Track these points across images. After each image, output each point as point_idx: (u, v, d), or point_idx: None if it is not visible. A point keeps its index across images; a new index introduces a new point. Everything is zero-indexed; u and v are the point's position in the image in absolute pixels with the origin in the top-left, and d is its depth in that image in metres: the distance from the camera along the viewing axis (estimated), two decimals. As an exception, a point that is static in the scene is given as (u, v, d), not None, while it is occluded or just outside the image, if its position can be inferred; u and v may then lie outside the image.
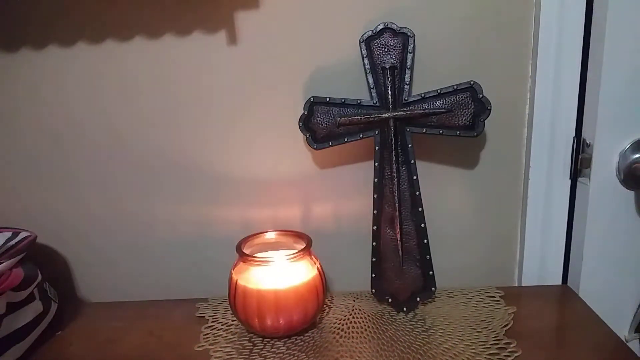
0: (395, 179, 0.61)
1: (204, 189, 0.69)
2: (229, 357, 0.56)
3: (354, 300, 0.67)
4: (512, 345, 0.55)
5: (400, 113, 0.61)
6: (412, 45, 0.61)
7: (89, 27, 0.64)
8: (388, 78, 0.61)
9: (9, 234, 0.62)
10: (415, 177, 0.62)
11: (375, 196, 0.63)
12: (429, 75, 0.64)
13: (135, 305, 0.70)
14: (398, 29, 0.61)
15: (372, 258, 0.64)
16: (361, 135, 0.63)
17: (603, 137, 0.63)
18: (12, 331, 0.57)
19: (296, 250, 0.59)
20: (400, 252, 0.63)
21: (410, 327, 0.61)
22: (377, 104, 0.62)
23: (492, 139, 0.67)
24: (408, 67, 0.61)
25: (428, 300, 0.66)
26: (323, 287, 0.60)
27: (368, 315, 0.64)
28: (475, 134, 0.61)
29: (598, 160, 0.64)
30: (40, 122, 0.68)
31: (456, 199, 0.69)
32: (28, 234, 0.63)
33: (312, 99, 0.62)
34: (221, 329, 0.62)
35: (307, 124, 0.63)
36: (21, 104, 0.67)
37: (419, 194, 0.62)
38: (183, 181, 0.69)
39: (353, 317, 0.63)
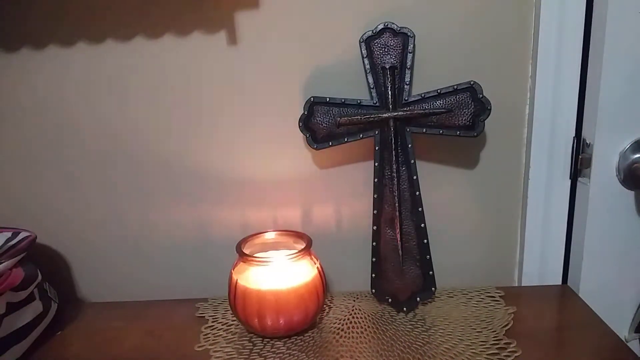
0: (395, 179, 0.62)
1: (204, 188, 0.69)
2: (229, 357, 0.56)
3: (354, 300, 0.67)
4: (512, 345, 0.55)
5: (400, 113, 0.61)
6: (412, 45, 0.61)
7: (89, 27, 0.64)
8: (388, 78, 0.61)
9: (9, 234, 0.62)
10: (415, 177, 0.62)
11: (375, 196, 0.63)
12: (429, 75, 0.64)
13: (135, 305, 0.70)
14: (398, 29, 0.61)
15: (372, 258, 0.64)
16: (361, 135, 0.63)
17: (603, 137, 0.63)
18: (12, 331, 0.57)
19: (296, 250, 0.59)
20: (400, 252, 0.63)
21: (410, 327, 0.61)
22: (377, 104, 0.62)
23: (492, 139, 0.67)
24: (408, 67, 0.61)
25: (428, 300, 0.66)
26: (323, 287, 0.60)
27: (368, 315, 0.64)
28: (475, 134, 0.61)
29: (598, 160, 0.64)
30: (41, 122, 0.68)
31: (456, 199, 0.69)
32: (28, 234, 0.63)
33: (312, 99, 0.62)
34: (221, 329, 0.62)
35: (307, 124, 0.63)
36: (21, 104, 0.67)
37: (419, 194, 0.62)
38: (183, 181, 0.69)
39: (353, 317, 0.63)
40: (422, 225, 0.62)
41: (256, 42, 0.64)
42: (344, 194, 0.69)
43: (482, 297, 0.66)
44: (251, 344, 0.59)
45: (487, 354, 0.54)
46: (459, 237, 0.70)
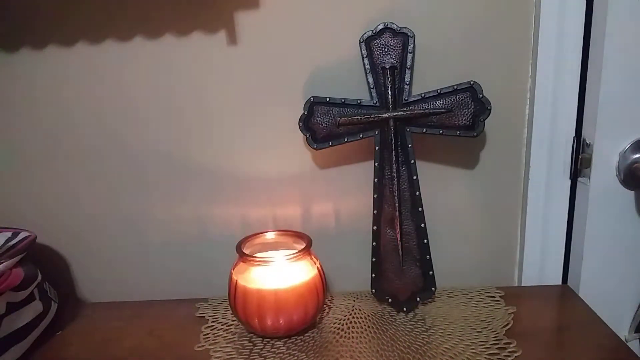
0: (395, 179, 0.61)
1: (204, 188, 0.69)
2: (229, 357, 0.56)
3: (354, 300, 0.67)
4: (512, 345, 0.55)
5: (400, 113, 0.61)
6: (412, 45, 0.61)
7: (88, 27, 0.64)
8: (388, 78, 0.61)
9: (9, 234, 0.62)
10: (415, 177, 0.62)
11: (375, 196, 0.63)
12: (429, 75, 0.64)
13: (135, 305, 0.70)
14: (398, 29, 0.61)
15: (372, 258, 0.64)
16: (361, 135, 0.63)
17: (603, 137, 0.63)
18: (12, 331, 0.57)
19: (296, 250, 0.59)
20: (400, 252, 0.63)
21: (410, 327, 0.61)
22: (377, 104, 0.62)
23: (492, 139, 0.67)
24: (408, 67, 0.61)
25: (428, 300, 0.66)
26: (323, 287, 0.60)
27: (368, 315, 0.64)
28: (475, 134, 0.61)
29: (598, 160, 0.64)
30: (40, 122, 0.68)
31: (456, 199, 0.69)
32: (28, 234, 0.63)
33: (312, 99, 0.62)
34: (221, 329, 0.62)
35: (307, 124, 0.63)
36: (21, 104, 0.67)
37: (419, 194, 0.62)
38: (183, 181, 0.69)
39: (353, 317, 0.63)
40: (422, 225, 0.62)
41: (256, 42, 0.64)
42: (344, 194, 0.69)
43: (482, 297, 0.66)
44: (251, 344, 0.59)
45: (487, 354, 0.54)
46: (459, 237, 0.70)
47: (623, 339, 0.60)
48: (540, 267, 0.70)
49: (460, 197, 0.69)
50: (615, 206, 0.65)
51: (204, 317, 0.65)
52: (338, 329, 0.61)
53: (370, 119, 0.61)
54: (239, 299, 0.58)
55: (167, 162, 0.69)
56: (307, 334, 0.60)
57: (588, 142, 0.64)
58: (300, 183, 0.69)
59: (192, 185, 0.69)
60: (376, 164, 0.62)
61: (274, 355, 0.56)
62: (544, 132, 0.65)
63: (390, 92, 0.61)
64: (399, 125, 0.61)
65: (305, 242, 0.61)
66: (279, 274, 0.58)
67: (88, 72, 0.66)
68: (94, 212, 0.71)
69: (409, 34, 0.61)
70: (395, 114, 0.60)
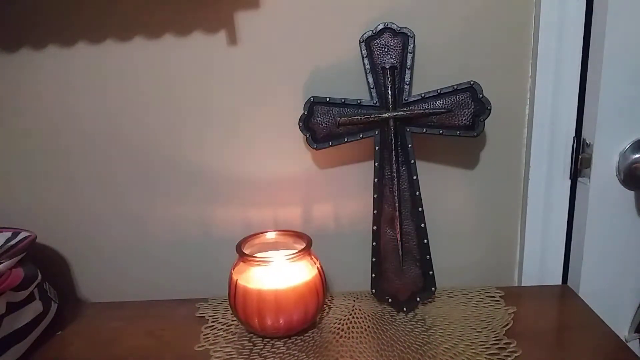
0: (395, 179, 0.61)
1: (204, 188, 0.69)
2: (229, 357, 0.56)
3: (354, 300, 0.67)
4: (512, 345, 0.55)
5: (400, 113, 0.61)
6: (412, 45, 0.61)
7: (89, 27, 0.64)
8: (388, 78, 0.61)
9: (9, 234, 0.62)
10: (415, 177, 0.62)
11: (375, 196, 0.63)
12: (429, 75, 0.64)
13: (135, 305, 0.70)
14: (398, 29, 0.61)
15: (372, 258, 0.64)
16: (361, 135, 0.63)
17: (603, 137, 0.63)
18: (12, 331, 0.57)
19: (296, 250, 0.59)
20: (400, 252, 0.63)
21: (410, 327, 0.61)
22: (377, 104, 0.62)
23: (492, 139, 0.67)
24: (408, 67, 0.61)
25: (428, 300, 0.66)
26: (323, 287, 0.60)
27: (368, 315, 0.64)
28: (475, 134, 0.61)
29: (598, 160, 0.64)
30: (41, 122, 0.68)
31: (456, 199, 0.69)
32: (28, 234, 0.63)
33: (312, 99, 0.62)
34: (221, 329, 0.62)
35: (307, 124, 0.63)
36: (22, 104, 0.67)
37: (419, 194, 0.62)
38: (183, 181, 0.69)
39: (353, 317, 0.63)
40: (422, 225, 0.62)
41: (256, 42, 0.64)
42: (344, 193, 0.69)
43: (482, 297, 0.66)
44: (251, 344, 0.59)
45: (487, 354, 0.54)
46: (459, 237, 0.70)
47: (623, 339, 0.60)
48: (540, 267, 0.70)
49: (460, 197, 0.69)
50: (615, 206, 0.65)
51: (204, 317, 0.65)
52: (338, 329, 0.61)
53: (370, 119, 0.61)
54: (239, 299, 0.58)
55: (167, 162, 0.69)
56: (307, 334, 0.60)
57: (588, 142, 0.64)
58: (300, 183, 0.69)
59: (191, 185, 0.69)
60: (376, 164, 0.62)
61: (274, 355, 0.56)
62: (544, 132, 0.65)
63: (390, 92, 0.61)
64: (399, 125, 0.61)
65: (305, 242, 0.61)
66: (279, 274, 0.58)
67: (89, 73, 0.66)
68: (94, 212, 0.71)
69: (409, 34, 0.61)
70: (395, 114, 0.60)
